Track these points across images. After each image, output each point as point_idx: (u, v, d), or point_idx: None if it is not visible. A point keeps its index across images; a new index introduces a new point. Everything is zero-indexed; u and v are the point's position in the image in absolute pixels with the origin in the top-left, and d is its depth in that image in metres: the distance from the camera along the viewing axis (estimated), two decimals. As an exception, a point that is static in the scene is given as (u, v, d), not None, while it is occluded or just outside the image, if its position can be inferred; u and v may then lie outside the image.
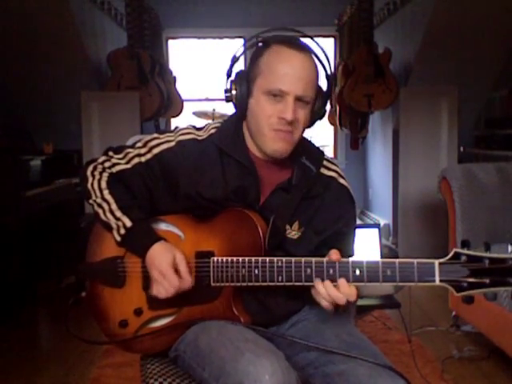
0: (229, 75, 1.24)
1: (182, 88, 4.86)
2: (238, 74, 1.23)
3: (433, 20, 3.78)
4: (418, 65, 4.15)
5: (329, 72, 1.23)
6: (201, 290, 1.19)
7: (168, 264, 1.16)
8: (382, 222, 4.80)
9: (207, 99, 5.40)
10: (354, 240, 1.28)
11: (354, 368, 1.08)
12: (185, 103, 4.69)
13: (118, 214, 1.23)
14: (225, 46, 5.75)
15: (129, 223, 1.22)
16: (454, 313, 2.74)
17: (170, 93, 4.54)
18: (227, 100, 1.24)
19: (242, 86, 1.20)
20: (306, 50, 1.18)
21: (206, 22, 5.45)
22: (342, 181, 1.29)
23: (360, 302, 2.30)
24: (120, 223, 1.22)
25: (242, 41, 5.67)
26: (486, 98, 4.39)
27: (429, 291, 3.27)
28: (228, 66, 1.25)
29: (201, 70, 5.70)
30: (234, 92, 1.21)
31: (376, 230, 2.32)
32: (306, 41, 1.21)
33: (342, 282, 1.06)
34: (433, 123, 4.06)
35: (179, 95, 4.65)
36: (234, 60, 1.24)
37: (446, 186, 2.59)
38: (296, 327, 1.27)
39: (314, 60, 1.19)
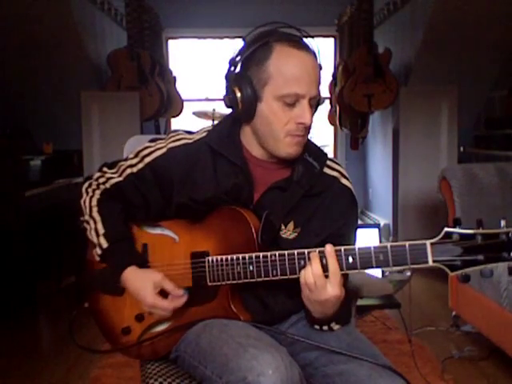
0: (227, 78, 1.20)
1: (182, 88, 4.86)
2: (238, 76, 1.17)
3: (433, 20, 3.78)
4: (417, 65, 4.15)
5: (321, 63, 1.20)
6: (198, 290, 1.18)
7: (151, 294, 1.16)
8: (382, 222, 4.80)
9: (207, 99, 5.38)
10: (354, 242, 1.25)
11: (354, 368, 1.08)
12: (185, 103, 4.69)
13: (101, 232, 1.24)
14: (225, 46, 5.75)
15: (105, 244, 1.23)
16: (454, 313, 2.74)
17: (170, 93, 4.53)
18: (229, 104, 1.19)
19: (248, 90, 1.14)
20: (310, 48, 1.16)
21: (206, 22, 5.45)
22: (344, 181, 1.25)
23: (360, 302, 2.28)
24: (98, 242, 1.23)
25: (241, 41, 5.66)
26: (486, 98, 4.39)
27: (429, 291, 3.27)
28: (226, 69, 1.20)
29: (201, 69, 5.70)
30: (238, 95, 1.16)
31: (376, 230, 2.32)
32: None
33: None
34: (433, 123, 4.06)
35: (179, 95, 4.65)
36: (233, 63, 1.19)
37: (445, 186, 2.59)
38: (296, 327, 1.26)
39: (316, 58, 1.17)
